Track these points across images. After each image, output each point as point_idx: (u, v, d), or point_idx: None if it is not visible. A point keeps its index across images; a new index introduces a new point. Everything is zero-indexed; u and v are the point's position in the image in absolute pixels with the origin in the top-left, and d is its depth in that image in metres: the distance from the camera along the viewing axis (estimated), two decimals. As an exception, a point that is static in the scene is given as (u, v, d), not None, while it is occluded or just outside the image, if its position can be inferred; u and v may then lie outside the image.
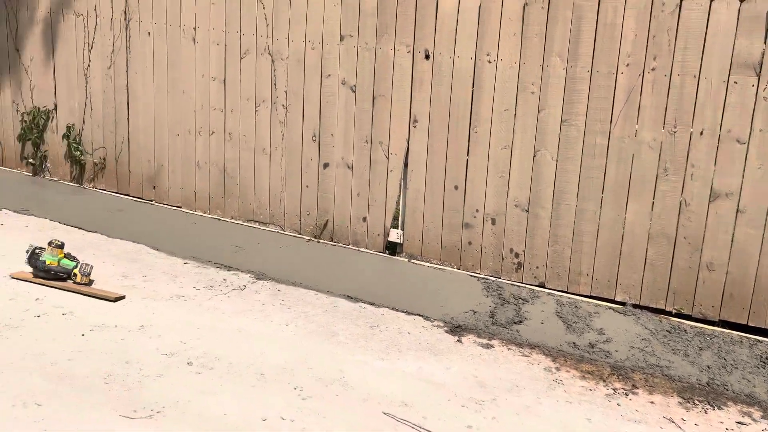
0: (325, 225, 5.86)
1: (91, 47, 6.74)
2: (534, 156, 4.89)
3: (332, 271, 5.11)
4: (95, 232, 5.53)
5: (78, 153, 6.96)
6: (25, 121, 7.27)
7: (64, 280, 4.23)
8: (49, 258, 4.19)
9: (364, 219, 5.67)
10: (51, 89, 7.09)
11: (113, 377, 3.14)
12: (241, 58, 5.99)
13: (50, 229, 5.48)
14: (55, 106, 7.11)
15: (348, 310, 4.26)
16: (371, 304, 4.43)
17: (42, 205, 6.18)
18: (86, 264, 4.28)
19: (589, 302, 4.56)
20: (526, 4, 4.74)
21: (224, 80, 6.11)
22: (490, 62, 4.94)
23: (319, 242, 5.85)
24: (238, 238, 5.77)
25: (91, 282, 4.24)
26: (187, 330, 3.71)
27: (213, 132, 6.25)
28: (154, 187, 6.69)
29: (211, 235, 5.85)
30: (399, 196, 5.50)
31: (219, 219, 6.34)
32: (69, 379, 3.09)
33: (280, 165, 5.99)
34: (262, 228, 6.14)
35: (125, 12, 6.47)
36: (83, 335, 3.51)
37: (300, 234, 6.00)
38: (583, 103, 4.67)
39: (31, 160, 7.30)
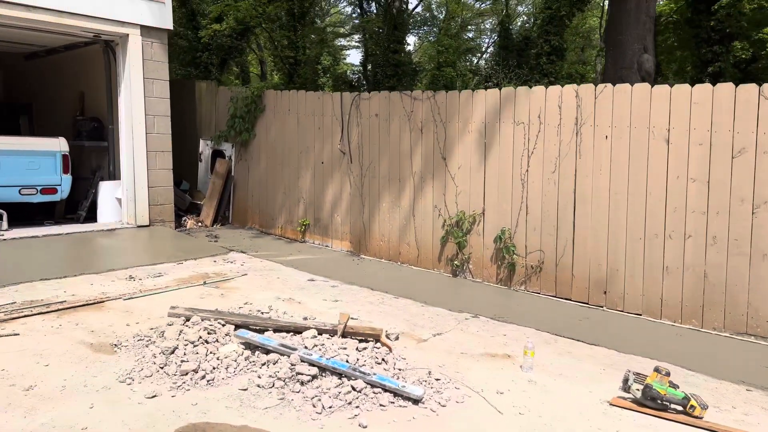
0: None
1: (531, 153, 6.88)
2: None
3: None
4: (597, 345, 5.29)
5: (511, 255, 7.02)
6: (449, 225, 7.61)
7: (667, 410, 3.92)
8: (658, 386, 3.93)
9: None
10: (479, 194, 7.35)
11: None
12: (733, 158, 5.57)
13: (551, 342, 5.37)
14: (483, 210, 7.33)
15: None
16: None
17: (502, 309, 6.20)
18: (697, 395, 3.95)
19: None
20: None
21: (707, 181, 5.72)
22: None
23: None
24: (749, 356, 5.14)
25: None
26: None
27: (690, 236, 5.84)
28: (605, 293, 6.41)
29: (716, 351, 5.29)
30: None
31: (697, 330, 5.80)
32: None
33: (789, 273, 5.33)
34: (760, 342, 5.45)
35: (577, 118, 6.50)
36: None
37: (823, 353, 5.19)
38: None
39: (456, 262, 7.55)
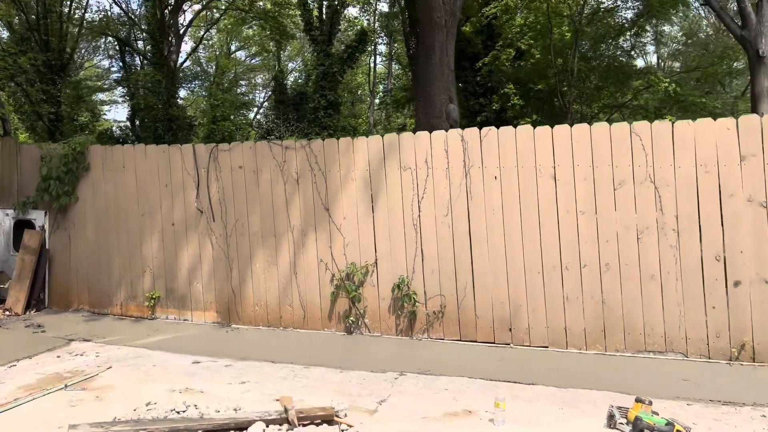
0: (743, 346, 5.70)
1: (422, 198, 6.80)
2: None
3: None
4: (534, 384, 5.25)
5: (412, 303, 6.78)
6: (339, 279, 7.14)
7: (655, 439, 3.95)
8: (646, 417, 3.93)
9: (795, 333, 5.54)
10: (369, 244, 7.03)
11: None
12: (615, 189, 6.09)
13: (493, 389, 5.18)
14: (376, 260, 7.01)
15: None
16: None
17: (422, 362, 5.90)
18: (675, 419, 4.03)
19: None
20: None
21: (595, 213, 6.16)
22: None
23: (742, 365, 5.66)
24: (663, 372, 5.54)
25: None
26: None
27: (585, 265, 6.20)
28: (510, 330, 6.49)
29: (634, 372, 5.59)
30: (837, 304, 5.42)
31: (602, 354, 6.12)
32: None
33: (675, 289, 5.92)
34: (659, 357, 5.94)
35: (465, 161, 6.61)
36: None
37: (710, 358, 5.81)
38: None
39: (351, 318, 7.07)
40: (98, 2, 43.26)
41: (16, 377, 5.51)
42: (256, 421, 3.98)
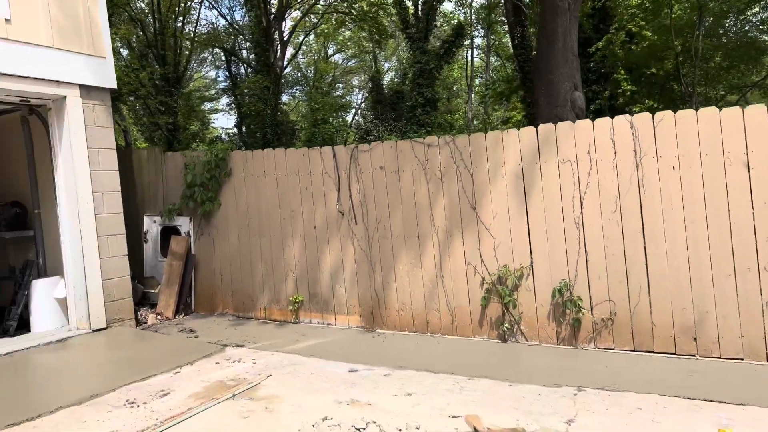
0: None
1: (584, 193, 6.20)
2: None
3: None
4: (745, 404, 4.54)
5: (577, 310, 6.20)
6: (489, 283, 6.69)
7: None
8: None
9: None
10: (523, 245, 6.52)
11: None
12: (828, 177, 5.19)
13: (696, 410, 4.53)
14: (531, 262, 6.50)
15: None
16: None
17: (597, 376, 5.33)
18: None
19: None
20: None
21: (801, 204, 5.29)
22: None
23: None
24: None
25: None
26: None
27: (790, 265, 5.35)
28: (695, 339, 5.74)
29: None
30: None
31: (815, 368, 5.25)
32: None
33: None
34: None
35: (635, 150, 5.93)
36: None
37: None
38: None
39: (506, 325, 6.60)
40: (205, 16, 45.68)
41: (183, 385, 5.54)
42: (449, 444, 3.64)
